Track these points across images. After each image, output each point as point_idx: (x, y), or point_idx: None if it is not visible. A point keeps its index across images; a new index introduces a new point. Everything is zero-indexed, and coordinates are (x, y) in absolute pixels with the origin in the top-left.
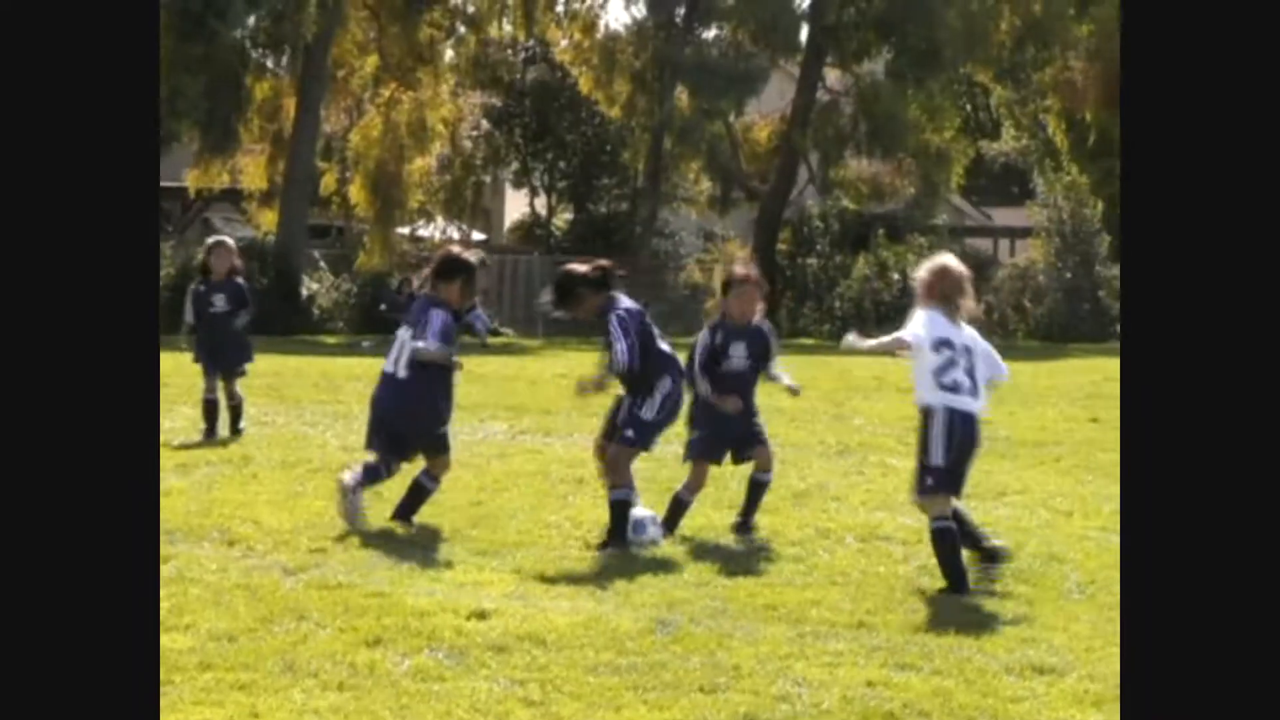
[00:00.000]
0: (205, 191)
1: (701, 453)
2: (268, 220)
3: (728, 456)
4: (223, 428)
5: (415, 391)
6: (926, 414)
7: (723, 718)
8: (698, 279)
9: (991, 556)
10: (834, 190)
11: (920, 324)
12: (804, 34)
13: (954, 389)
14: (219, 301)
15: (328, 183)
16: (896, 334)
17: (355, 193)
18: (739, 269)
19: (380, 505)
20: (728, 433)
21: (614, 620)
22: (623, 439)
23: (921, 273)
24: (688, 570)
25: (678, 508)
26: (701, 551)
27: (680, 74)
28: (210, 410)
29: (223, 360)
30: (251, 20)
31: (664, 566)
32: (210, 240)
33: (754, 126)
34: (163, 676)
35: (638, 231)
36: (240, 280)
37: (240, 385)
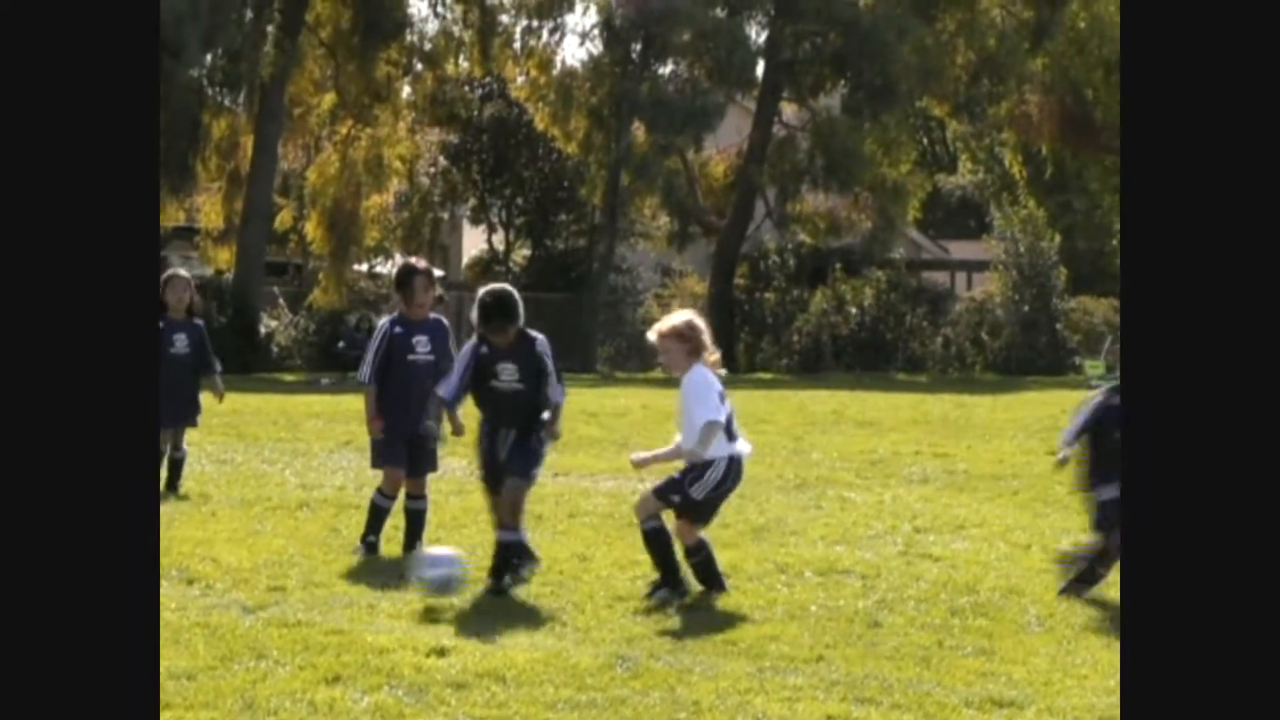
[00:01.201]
0: (162, 229)
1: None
2: (224, 258)
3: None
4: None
5: None
6: (709, 464)
7: None
8: (655, 314)
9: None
10: (791, 225)
11: (710, 392)
12: (760, 70)
13: (735, 437)
14: (179, 342)
15: (284, 219)
16: (705, 423)
17: (312, 230)
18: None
19: (339, 541)
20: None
21: (573, 656)
22: (528, 476)
23: (672, 331)
24: (646, 606)
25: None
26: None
27: (637, 110)
28: (173, 468)
29: (178, 411)
30: (208, 59)
31: (622, 602)
32: (166, 273)
33: (711, 162)
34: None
35: (595, 267)
36: (199, 321)
37: (187, 437)
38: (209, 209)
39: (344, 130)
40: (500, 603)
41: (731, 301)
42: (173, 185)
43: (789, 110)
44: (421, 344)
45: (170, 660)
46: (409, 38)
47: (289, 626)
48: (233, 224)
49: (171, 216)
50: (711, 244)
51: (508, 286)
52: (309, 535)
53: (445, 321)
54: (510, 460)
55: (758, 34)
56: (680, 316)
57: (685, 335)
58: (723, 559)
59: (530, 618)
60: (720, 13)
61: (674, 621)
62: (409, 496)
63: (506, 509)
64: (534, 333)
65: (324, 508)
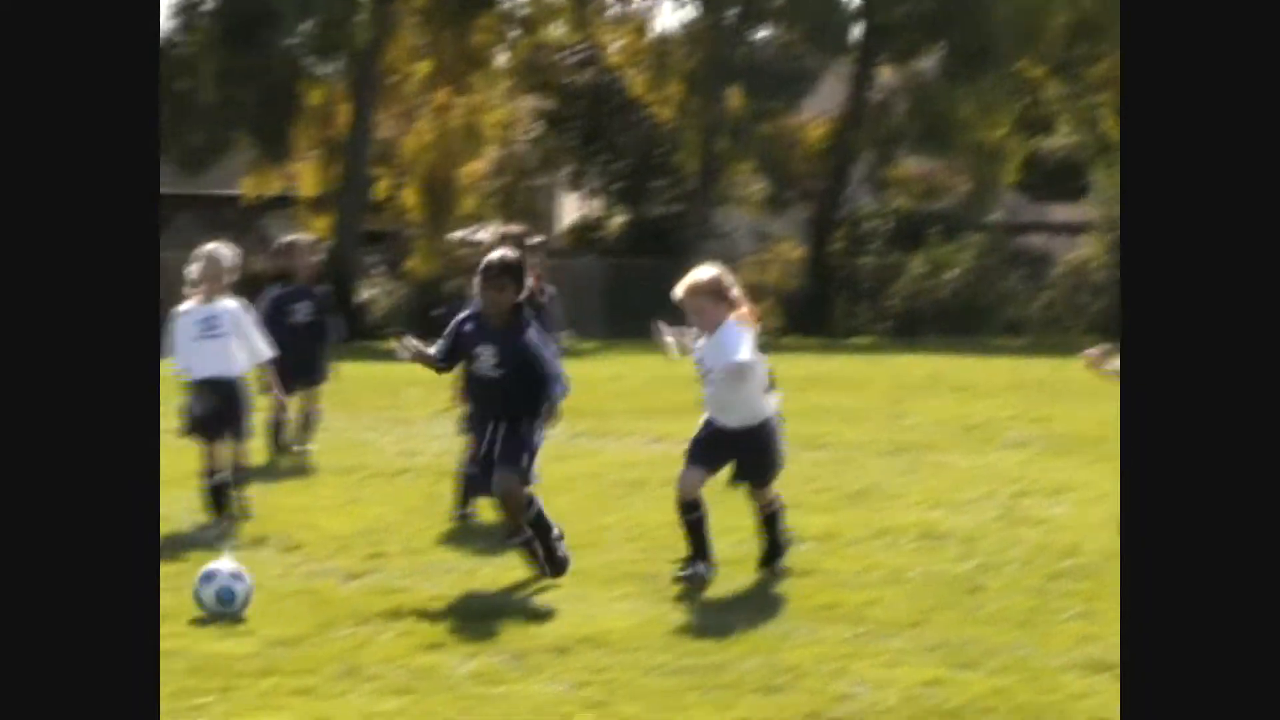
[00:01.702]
0: (259, 199)
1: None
2: (321, 226)
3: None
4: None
5: None
6: (770, 423)
7: (785, 717)
8: (752, 279)
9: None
10: (888, 189)
11: (749, 343)
12: (856, 33)
13: (770, 392)
14: (303, 310)
15: (381, 188)
16: (749, 359)
17: (408, 198)
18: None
19: (439, 507)
20: None
21: (672, 622)
22: (517, 468)
23: (703, 284)
24: (744, 571)
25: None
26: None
27: (733, 75)
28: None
29: (308, 372)
30: (304, 28)
31: (722, 567)
32: (284, 240)
33: (807, 126)
34: (224, 683)
35: (691, 233)
36: (321, 289)
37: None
38: (306, 178)
39: (440, 98)
40: (599, 569)
41: (828, 266)
42: (271, 154)
43: (886, 74)
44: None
45: (272, 627)
46: (505, 4)
47: (389, 593)
48: (329, 193)
49: (269, 185)
50: (807, 209)
51: (515, 255)
52: (408, 502)
53: (552, 290)
54: (499, 452)
55: None
56: (707, 271)
57: (718, 290)
58: (821, 524)
59: (630, 583)
60: None
61: (773, 587)
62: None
63: (506, 511)
64: (530, 319)
65: (423, 474)
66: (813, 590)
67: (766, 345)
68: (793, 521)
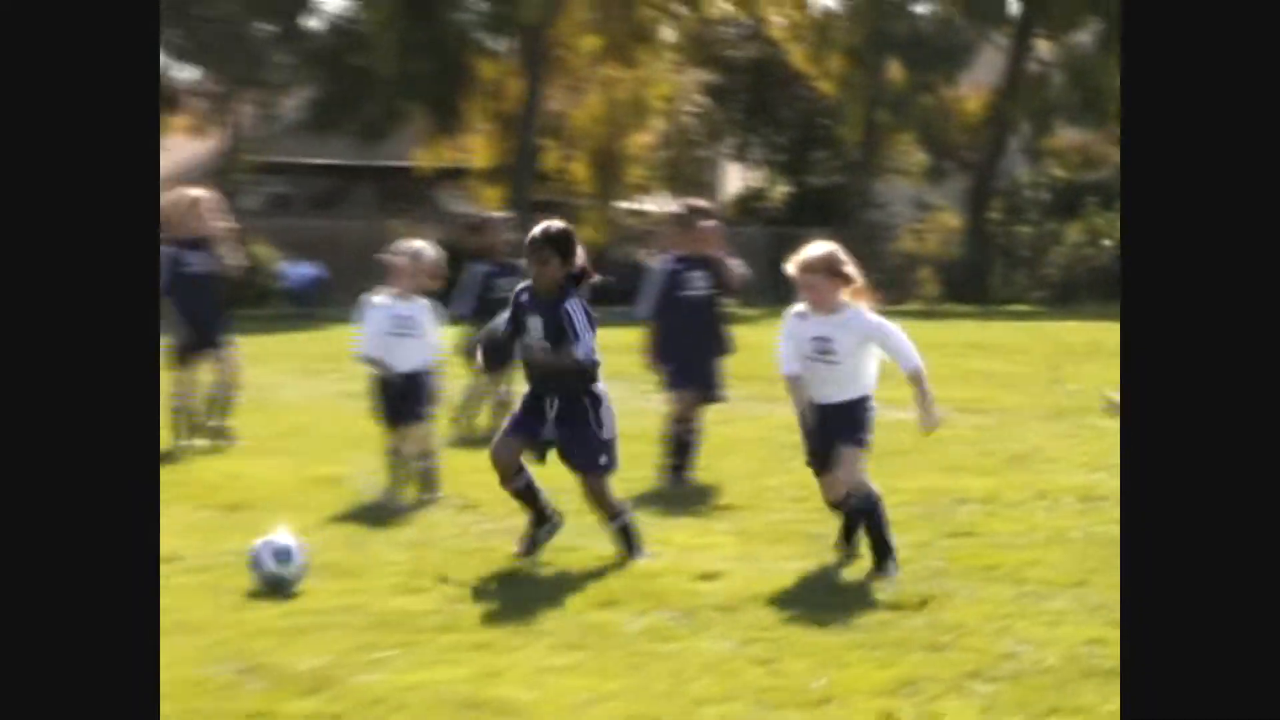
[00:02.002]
0: (432, 170)
1: (680, 383)
2: (491, 198)
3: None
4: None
5: None
6: (868, 399)
7: (949, 675)
8: (911, 248)
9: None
10: (1045, 159)
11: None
12: (1014, 6)
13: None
14: (505, 285)
15: (550, 160)
16: (920, 365)
17: (577, 169)
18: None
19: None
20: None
21: (838, 581)
22: (598, 468)
23: (826, 261)
24: (910, 531)
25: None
26: (922, 514)
27: (892, 48)
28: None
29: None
30: (477, 4)
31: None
32: (480, 216)
33: (965, 98)
34: (406, 637)
35: (853, 203)
36: (514, 262)
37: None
38: (478, 150)
39: (608, 72)
40: (766, 529)
41: (986, 235)
42: (443, 127)
43: (1042, 46)
44: (697, 279)
45: (451, 585)
46: None
47: (562, 551)
48: (501, 165)
49: (442, 157)
50: (966, 179)
51: (561, 226)
52: None
53: (723, 256)
54: (569, 451)
55: None
56: (821, 247)
57: (831, 267)
58: (982, 486)
59: (796, 542)
60: None
61: (936, 548)
62: (677, 420)
63: (595, 502)
64: (573, 290)
65: None
66: (976, 551)
67: (927, 313)
68: (955, 485)
